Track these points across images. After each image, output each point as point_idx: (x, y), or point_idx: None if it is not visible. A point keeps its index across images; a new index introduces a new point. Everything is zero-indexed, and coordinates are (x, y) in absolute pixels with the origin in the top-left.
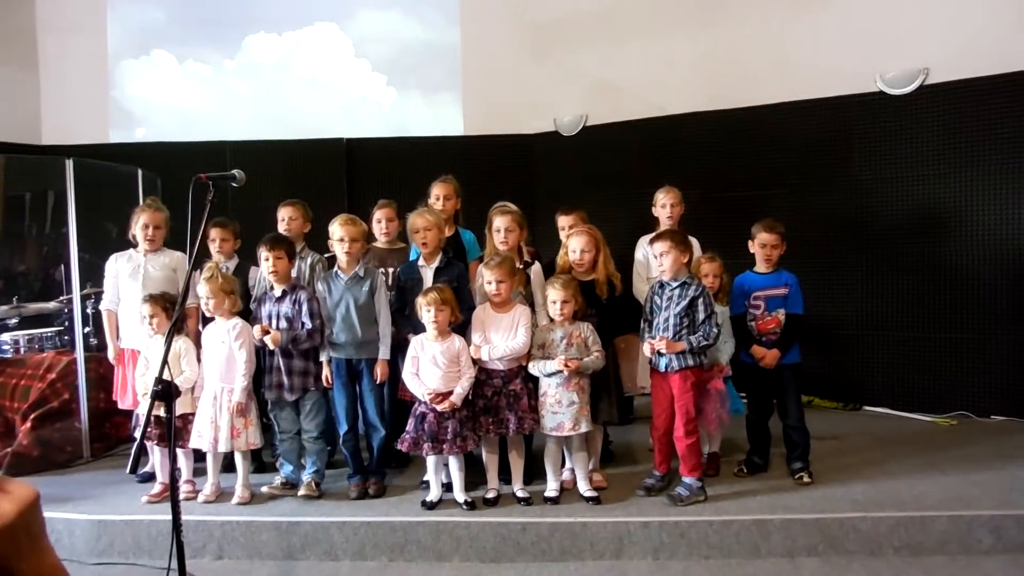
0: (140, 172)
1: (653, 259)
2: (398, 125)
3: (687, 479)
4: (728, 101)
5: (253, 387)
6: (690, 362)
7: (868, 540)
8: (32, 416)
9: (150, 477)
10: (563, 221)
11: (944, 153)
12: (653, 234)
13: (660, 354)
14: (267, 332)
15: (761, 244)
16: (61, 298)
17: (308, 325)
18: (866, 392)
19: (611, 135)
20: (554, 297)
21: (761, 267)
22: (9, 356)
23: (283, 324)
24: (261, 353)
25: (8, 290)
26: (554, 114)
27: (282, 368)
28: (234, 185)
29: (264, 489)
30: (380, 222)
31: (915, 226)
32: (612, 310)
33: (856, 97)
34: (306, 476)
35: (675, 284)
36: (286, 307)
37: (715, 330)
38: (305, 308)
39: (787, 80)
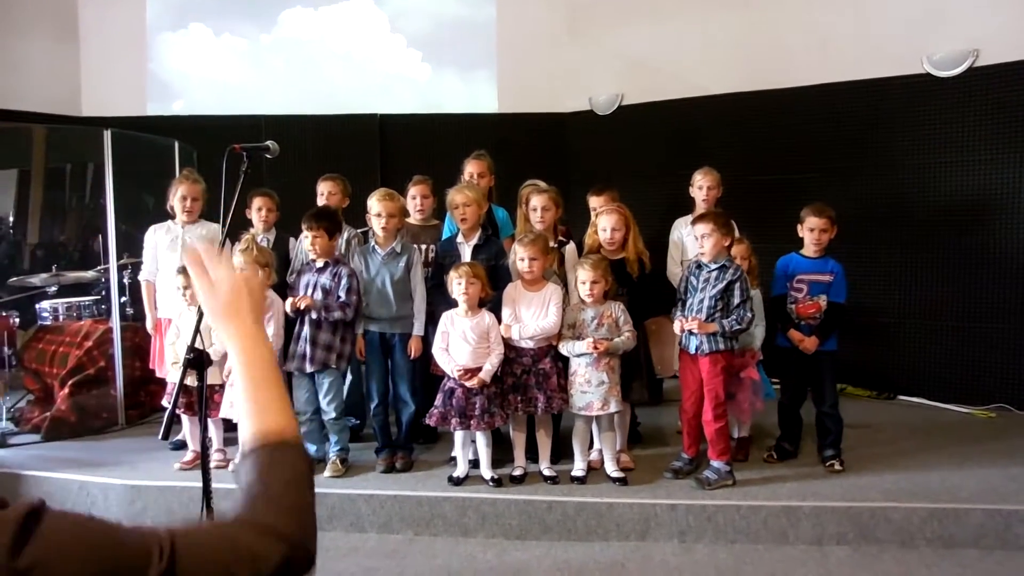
0: (177, 144)
1: (690, 241)
2: (432, 102)
3: (715, 463)
4: (767, 82)
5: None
6: (721, 346)
7: (899, 530)
8: (70, 382)
9: (182, 445)
10: (594, 201)
11: (993, 138)
12: (692, 216)
13: (691, 333)
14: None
15: (810, 228)
16: (99, 267)
17: (343, 298)
18: (901, 381)
19: (647, 115)
20: (584, 277)
21: (809, 251)
22: (48, 323)
23: (319, 295)
24: (290, 324)
25: (48, 259)
26: (589, 93)
27: (307, 338)
28: (268, 156)
29: None
30: (415, 198)
31: (959, 213)
32: (643, 288)
33: (900, 79)
34: (332, 454)
35: (713, 266)
36: (326, 278)
37: (749, 315)
38: (344, 283)
39: (828, 61)
